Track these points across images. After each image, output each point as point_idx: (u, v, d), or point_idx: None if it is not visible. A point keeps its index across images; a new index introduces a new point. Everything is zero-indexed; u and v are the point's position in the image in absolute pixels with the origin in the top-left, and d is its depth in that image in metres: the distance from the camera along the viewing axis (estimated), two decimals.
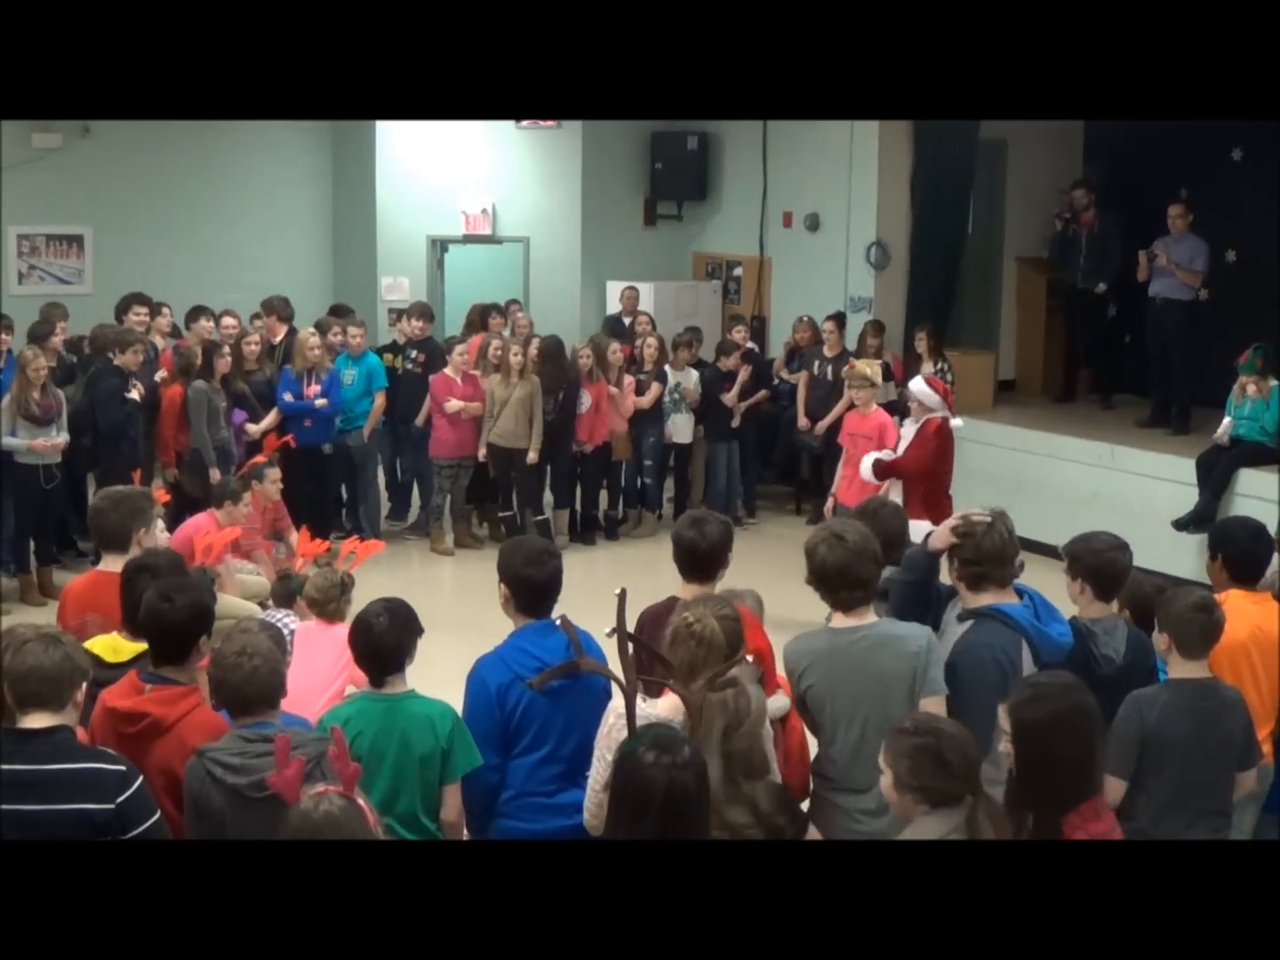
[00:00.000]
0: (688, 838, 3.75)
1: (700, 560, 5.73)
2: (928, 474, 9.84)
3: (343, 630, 7.19)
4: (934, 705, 5.03)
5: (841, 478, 10.95)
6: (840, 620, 5.17)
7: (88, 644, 5.41)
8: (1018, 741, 4.28)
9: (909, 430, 10.11)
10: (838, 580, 5.12)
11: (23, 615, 10.28)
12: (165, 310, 13.21)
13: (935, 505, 9.54)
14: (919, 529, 9.04)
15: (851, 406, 13.64)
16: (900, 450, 10.08)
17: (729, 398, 13.78)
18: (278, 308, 13.29)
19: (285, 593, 8.14)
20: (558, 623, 5.29)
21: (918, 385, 10.16)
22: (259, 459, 10.66)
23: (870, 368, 11.32)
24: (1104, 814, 4.26)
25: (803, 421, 13.99)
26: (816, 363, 14.08)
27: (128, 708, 4.97)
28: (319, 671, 7.00)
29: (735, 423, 13.91)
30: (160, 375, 12.02)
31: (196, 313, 12.96)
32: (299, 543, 9.39)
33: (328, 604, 7.44)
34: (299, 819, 3.76)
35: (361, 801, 3.92)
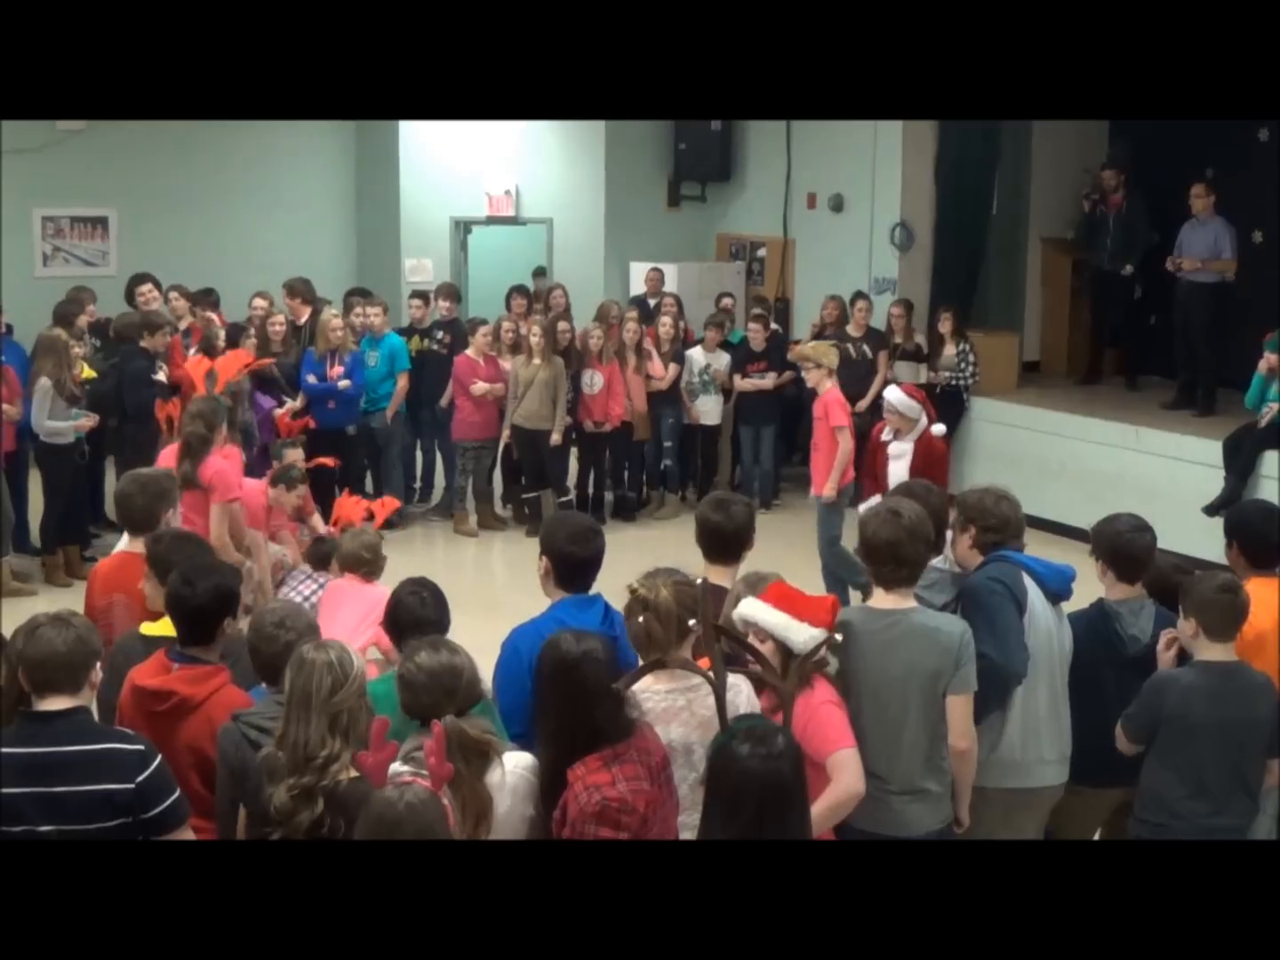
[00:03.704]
0: (784, 829, 3.72)
1: (726, 542, 5.76)
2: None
3: (373, 589, 7.60)
4: (958, 704, 5.02)
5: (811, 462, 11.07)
6: (880, 600, 5.15)
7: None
8: (535, 691, 4.43)
9: (901, 446, 9.77)
10: (885, 554, 5.09)
11: (50, 596, 10.35)
12: (173, 295, 13.13)
13: None
14: None
15: (885, 384, 13.76)
16: (899, 466, 9.67)
17: (747, 382, 13.80)
18: (300, 289, 13.25)
19: (320, 555, 8.50)
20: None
21: (896, 395, 9.85)
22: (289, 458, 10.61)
23: (815, 349, 11.32)
24: (612, 769, 4.17)
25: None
26: (848, 345, 14.06)
27: (155, 686, 5.02)
28: (346, 627, 7.24)
29: (740, 388, 13.95)
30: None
31: (206, 295, 12.91)
32: (340, 504, 9.61)
33: (377, 561, 7.79)
34: (383, 805, 3.77)
35: (446, 802, 3.93)
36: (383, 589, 7.87)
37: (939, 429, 9.79)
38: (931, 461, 9.57)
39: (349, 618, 7.53)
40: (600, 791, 4.12)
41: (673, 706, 4.62)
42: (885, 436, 9.89)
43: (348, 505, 9.61)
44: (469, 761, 4.07)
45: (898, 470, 9.57)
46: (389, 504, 9.79)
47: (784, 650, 4.79)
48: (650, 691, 4.62)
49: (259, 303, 12.92)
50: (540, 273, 15.19)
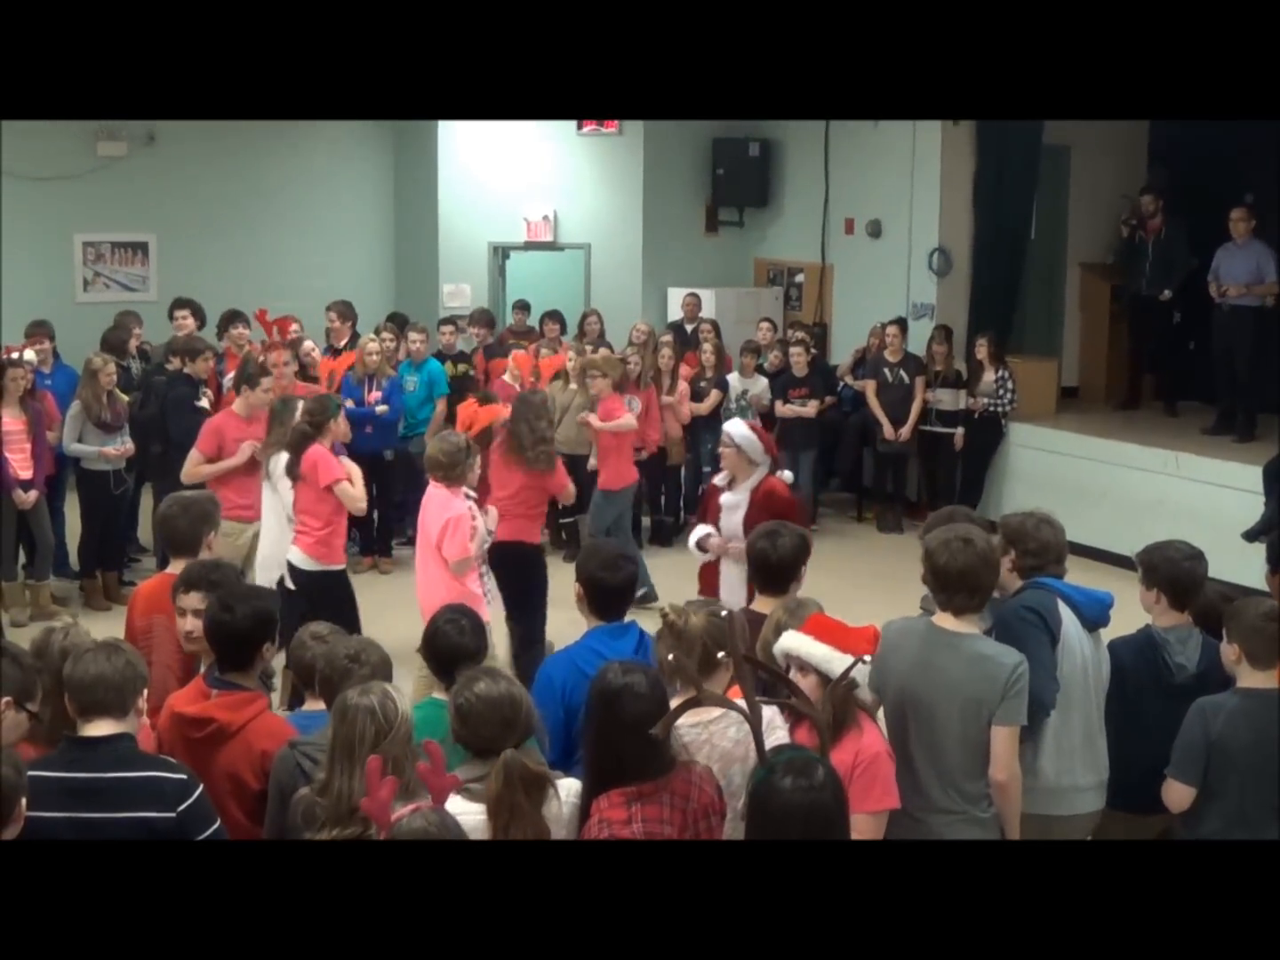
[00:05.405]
0: None
1: (772, 572, 5.76)
2: None
3: (453, 497, 8.02)
4: (1002, 735, 4.97)
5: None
6: (943, 619, 5.11)
7: None
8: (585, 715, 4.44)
9: (735, 497, 8.00)
10: (957, 583, 5.05)
11: (87, 620, 10.35)
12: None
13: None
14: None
15: (925, 406, 13.65)
16: (732, 520, 7.90)
17: (788, 408, 13.79)
18: (342, 311, 13.32)
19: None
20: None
21: (738, 429, 8.19)
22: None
23: (605, 360, 11.93)
24: (633, 807, 4.13)
25: (889, 429, 14.06)
26: (886, 369, 14.09)
27: (194, 713, 5.02)
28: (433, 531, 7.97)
29: (781, 413, 13.88)
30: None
31: (233, 318, 12.95)
32: (463, 410, 9.76)
33: (454, 466, 7.98)
34: (407, 835, 3.76)
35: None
36: (460, 499, 8.12)
37: (786, 475, 8.45)
38: (774, 514, 7.14)
39: (433, 525, 7.98)
40: (611, 828, 4.09)
41: (695, 740, 4.60)
42: (719, 481, 8.27)
43: (471, 408, 9.74)
44: (529, 794, 4.05)
45: (731, 524, 7.90)
46: (493, 410, 9.70)
47: (826, 683, 4.75)
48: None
49: (290, 327, 12.93)
50: (521, 306, 15.11)
